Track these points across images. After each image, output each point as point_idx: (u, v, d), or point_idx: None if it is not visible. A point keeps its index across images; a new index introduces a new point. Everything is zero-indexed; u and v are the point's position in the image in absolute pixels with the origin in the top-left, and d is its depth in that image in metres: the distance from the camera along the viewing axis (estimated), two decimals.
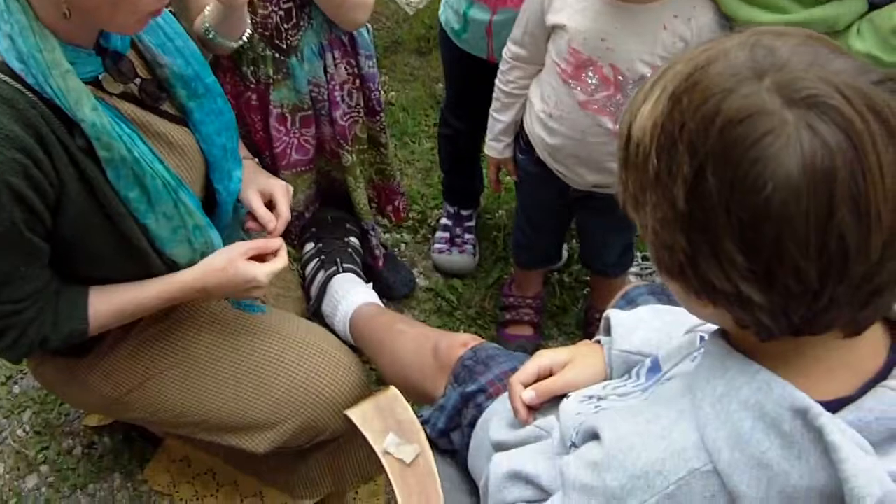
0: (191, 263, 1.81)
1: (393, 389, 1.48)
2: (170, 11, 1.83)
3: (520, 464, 1.38)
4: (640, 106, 0.97)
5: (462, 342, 1.85)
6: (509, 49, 2.22)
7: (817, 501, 0.93)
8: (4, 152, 1.49)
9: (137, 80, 1.75)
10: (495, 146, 2.41)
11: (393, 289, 2.82)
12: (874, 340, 0.99)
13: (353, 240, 2.55)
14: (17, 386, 2.62)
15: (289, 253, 2.16)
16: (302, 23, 2.17)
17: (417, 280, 2.95)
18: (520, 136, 2.34)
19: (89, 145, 1.60)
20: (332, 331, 2.28)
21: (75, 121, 1.57)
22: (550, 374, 1.48)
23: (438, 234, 3.03)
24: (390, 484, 2.42)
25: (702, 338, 1.23)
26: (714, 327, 1.10)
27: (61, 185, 1.59)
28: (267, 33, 2.16)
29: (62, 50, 1.55)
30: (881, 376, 0.99)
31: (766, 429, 0.94)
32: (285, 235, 2.35)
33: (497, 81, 2.30)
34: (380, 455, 1.40)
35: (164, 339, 1.94)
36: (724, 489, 0.97)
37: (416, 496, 1.37)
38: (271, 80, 2.22)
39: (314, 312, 2.36)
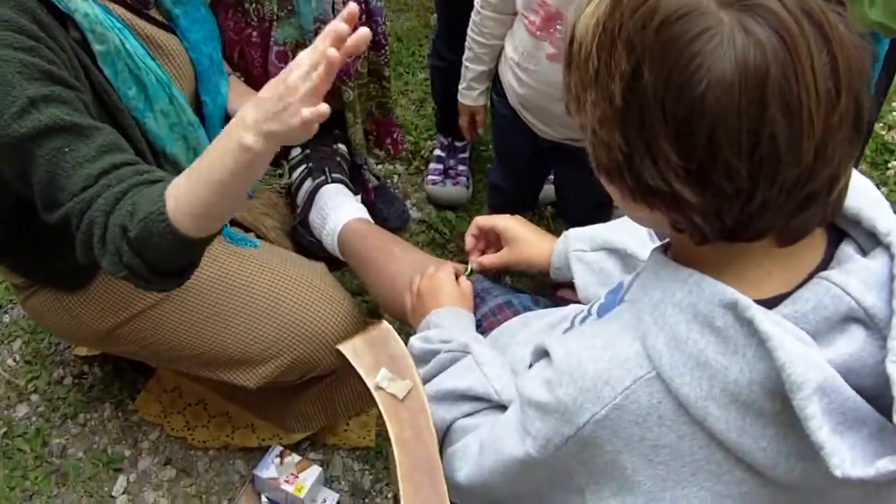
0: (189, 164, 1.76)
1: (385, 324, 1.47)
2: None
3: (446, 385, 1.41)
4: (584, 7, 0.98)
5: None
6: None
7: (761, 395, 0.94)
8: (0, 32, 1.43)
9: None
10: (468, 94, 2.39)
11: (387, 221, 2.80)
12: (812, 239, 1.00)
13: (342, 146, 2.49)
14: (6, 315, 2.61)
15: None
16: None
17: (410, 212, 2.93)
18: (497, 78, 2.31)
19: (83, 39, 1.57)
20: (319, 241, 2.25)
21: (67, 13, 1.53)
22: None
23: (432, 165, 3.00)
24: (381, 416, 2.44)
25: None
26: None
27: (71, 62, 1.53)
28: None
29: None
30: (819, 269, 1.00)
31: (700, 328, 0.96)
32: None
33: (469, 31, 2.26)
34: (372, 390, 1.39)
35: None
36: (669, 394, 0.99)
37: (408, 431, 1.36)
38: (275, 17, 2.15)
39: (301, 222, 2.33)
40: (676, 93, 0.88)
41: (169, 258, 1.43)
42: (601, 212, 2.63)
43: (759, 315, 0.93)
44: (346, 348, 1.43)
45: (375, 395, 1.39)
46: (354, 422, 2.38)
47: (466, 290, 1.69)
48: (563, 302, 1.74)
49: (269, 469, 2.23)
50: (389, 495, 2.32)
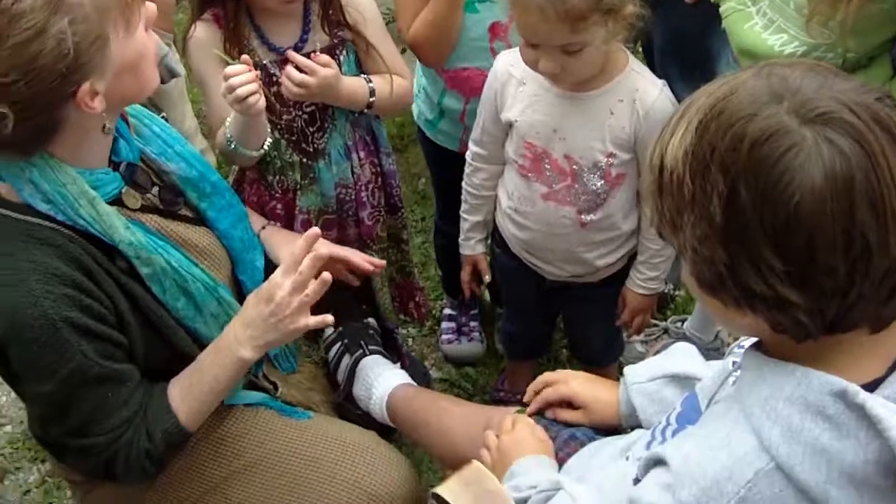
0: None
1: (476, 462, 1.50)
2: (163, 118, 1.90)
3: None
4: (668, 139, 1.09)
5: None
6: (471, 150, 2.28)
7: (874, 473, 1.02)
8: (55, 290, 1.53)
9: (155, 190, 1.79)
10: (466, 244, 2.46)
11: None
12: (892, 325, 1.09)
13: (371, 320, 2.54)
14: None
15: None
16: (326, 125, 2.21)
17: (430, 372, 2.96)
18: (495, 230, 2.39)
19: (129, 266, 1.65)
20: (367, 413, 2.27)
21: (112, 244, 1.62)
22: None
23: (444, 324, 3.06)
24: None
25: (734, 363, 1.33)
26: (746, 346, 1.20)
27: (116, 308, 1.63)
28: (293, 138, 2.18)
29: (83, 178, 1.60)
30: None
31: (813, 417, 1.04)
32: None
33: (464, 183, 2.35)
34: None
35: (215, 452, 1.93)
36: (790, 483, 1.05)
37: None
38: (299, 186, 2.23)
39: (345, 397, 2.35)
40: (773, 206, 0.98)
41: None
42: (614, 346, 2.69)
43: (869, 400, 1.01)
44: (443, 491, 1.45)
45: None
46: None
47: (544, 437, 1.72)
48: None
49: None
50: None
